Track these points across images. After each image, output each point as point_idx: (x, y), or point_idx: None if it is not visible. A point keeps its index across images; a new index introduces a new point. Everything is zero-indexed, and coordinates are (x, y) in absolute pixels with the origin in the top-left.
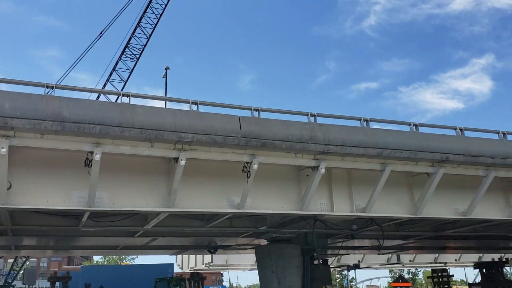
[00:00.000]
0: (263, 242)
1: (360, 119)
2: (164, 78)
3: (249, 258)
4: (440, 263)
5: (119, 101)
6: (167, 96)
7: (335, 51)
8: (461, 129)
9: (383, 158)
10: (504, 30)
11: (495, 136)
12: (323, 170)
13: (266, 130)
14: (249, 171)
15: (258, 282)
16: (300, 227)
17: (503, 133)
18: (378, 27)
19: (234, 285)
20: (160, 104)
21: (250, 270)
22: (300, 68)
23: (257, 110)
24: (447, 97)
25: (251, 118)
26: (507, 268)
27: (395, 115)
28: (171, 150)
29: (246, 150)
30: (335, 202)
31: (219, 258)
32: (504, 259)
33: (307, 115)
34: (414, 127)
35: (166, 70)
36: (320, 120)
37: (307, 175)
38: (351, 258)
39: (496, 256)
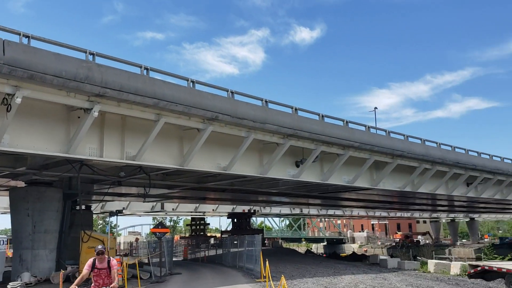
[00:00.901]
0: (21, 184)
1: (141, 66)
2: None
3: (2, 200)
4: (199, 212)
5: None
6: None
7: None
8: (232, 92)
9: (158, 109)
10: (281, 9)
11: (259, 103)
12: (96, 113)
13: (36, 61)
14: (10, 104)
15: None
16: (65, 170)
17: (266, 101)
18: None
19: None
20: None
21: (2, 213)
22: (85, 2)
23: (27, 36)
24: (225, 61)
25: (18, 44)
26: (253, 218)
27: (176, 70)
28: None
29: (8, 80)
30: (105, 148)
31: None
32: (252, 211)
33: (86, 52)
34: (191, 83)
35: None
36: (99, 60)
37: (79, 117)
38: (116, 205)
39: (246, 208)
